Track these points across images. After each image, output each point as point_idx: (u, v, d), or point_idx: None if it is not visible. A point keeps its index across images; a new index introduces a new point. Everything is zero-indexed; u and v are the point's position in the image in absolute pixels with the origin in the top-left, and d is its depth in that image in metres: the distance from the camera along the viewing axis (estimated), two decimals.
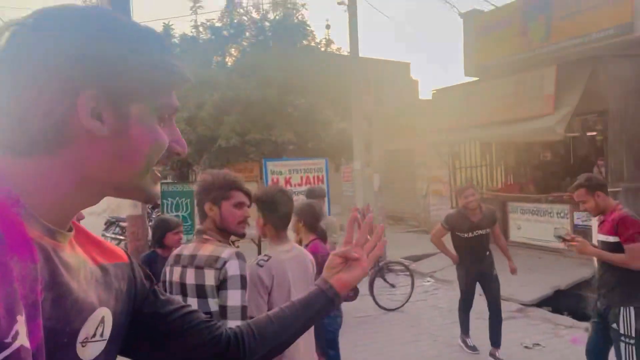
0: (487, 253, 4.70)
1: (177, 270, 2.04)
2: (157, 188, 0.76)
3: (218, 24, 12.00)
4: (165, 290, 2.02)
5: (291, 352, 1.96)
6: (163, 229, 3.58)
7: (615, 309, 3.19)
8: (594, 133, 8.97)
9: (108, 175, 0.65)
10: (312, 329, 2.26)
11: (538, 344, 4.98)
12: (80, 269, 0.65)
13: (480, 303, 4.90)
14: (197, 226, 2.25)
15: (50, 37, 0.59)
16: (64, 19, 0.60)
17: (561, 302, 6.63)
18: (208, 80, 10.35)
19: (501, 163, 10.84)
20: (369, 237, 1.05)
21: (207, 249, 1.98)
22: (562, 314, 6.17)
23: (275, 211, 2.42)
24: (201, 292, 1.94)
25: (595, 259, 3.53)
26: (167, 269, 2.11)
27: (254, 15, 12.16)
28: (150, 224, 6.05)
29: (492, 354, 4.56)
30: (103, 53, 0.60)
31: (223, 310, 1.89)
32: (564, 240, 3.46)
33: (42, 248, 0.58)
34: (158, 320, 0.82)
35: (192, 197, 6.62)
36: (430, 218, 12.71)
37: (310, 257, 2.68)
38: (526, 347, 4.94)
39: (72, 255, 0.65)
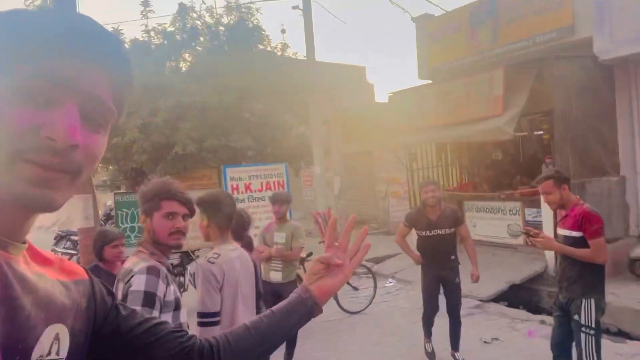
0: (452, 257, 4.56)
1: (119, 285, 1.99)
2: (39, 191, 0.60)
3: (170, 29, 11.73)
4: None
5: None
6: (101, 243, 3.40)
7: (577, 300, 3.30)
8: (541, 132, 9.40)
9: None
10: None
11: (497, 339, 5.14)
12: (34, 283, 0.62)
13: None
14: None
15: None
16: None
17: (516, 296, 6.88)
18: (162, 86, 10.09)
19: (456, 163, 11.16)
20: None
21: (130, 262, 1.93)
22: (517, 307, 6.40)
23: (220, 211, 2.50)
24: None
25: (546, 253, 3.64)
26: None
27: (208, 19, 11.98)
28: None
29: (452, 355, 4.63)
30: None
31: None
32: (529, 235, 3.54)
33: None
34: (122, 336, 0.78)
35: None
36: (390, 220, 12.90)
37: (249, 256, 2.78)
38: (485, 342, 5.08)
39: (26, 269, 0.62)
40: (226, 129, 10.39)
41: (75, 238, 9.22)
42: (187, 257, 7.14)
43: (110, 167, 15.04)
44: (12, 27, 0.60)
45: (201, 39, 11.98)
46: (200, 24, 11.93)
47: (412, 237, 4.82)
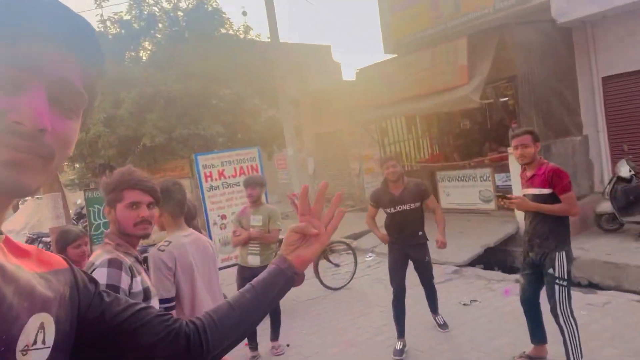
0: (419, 233, 4.35)
1: None
2: (10, 174, 0.59)
3: (127, 17, 11.35)
4: None
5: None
6: (62, 244, 3.26)
7: (551, 254, 3.47)
8: (506, 98, 9.58)
9: None
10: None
11: (475, 300, 5.33)
12: (14, 273, 0.61)
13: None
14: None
15: None
16: None
17: (491, 258, 7.11)
18: (123, 77, 9.79)
19: (426, 135, 11.31)
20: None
21: (94, 255, 1.90)
22: (493, 269, 6.62)
23: (170, 199, 2.55)
24: None
25: (517, 215, 3.75)
26: None
27: (165, 5, 11.63)
28: None
29: (434, 319, 4.67)
30: None
31: None
32: (505, 198, 3.64)
33: None
34: (107, 323, 0.78)
35: None
36: (365, 196, 13.03)
37: (207, 239, 2.81)
38: (464, 304, 5.26)
39: (4, 260, 0.61)
40: (195, 117, 10.22)
41: (47, 240, 8.99)
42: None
43: (77, 165, 14.62)
44: None
45: (160, 25, 11.65)
46: (157, 10, 11.58)
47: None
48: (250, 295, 0.94)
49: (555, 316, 3.44)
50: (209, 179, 6.29)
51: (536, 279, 3.66)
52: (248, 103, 11.14)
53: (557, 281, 3.44)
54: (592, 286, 5.87)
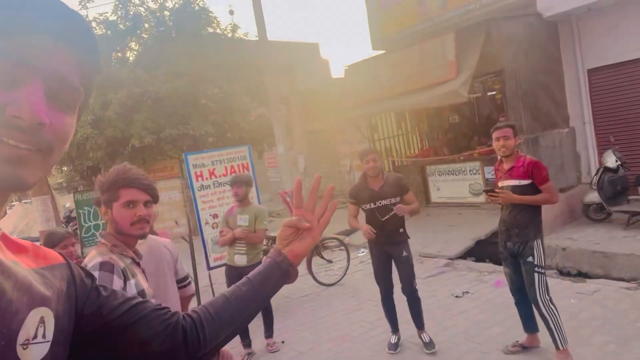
0: (401, 230, 4.15)
1: None
2: (9, 169, 0.59)
3: (113, 18, 11.25)
4: None
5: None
6: (49, 245, 3.15)
7: (530, 243, 3.58)
8: (494, 92, 9.66)
9: None
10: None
11: (467, 292, 5.38)
12: (12, 268, 0.61)
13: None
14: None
15: None
16: None
17: (482, 250, 7.18)
18: (110, 78, 9.71)
19: (416, 130, 11.37)
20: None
21: (89, 256, 1.86)
22: (484, 261, 6.68)
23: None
24: None
25: (500, 206, 3.82)
26: None
27: (151, 5, 11.55)
28: None
29: (420, 337, 4.25)
30: None
31: None
32: (493, 192, 3.71)
33: None
34: (105, 317, 0.78)
35: None
36: None
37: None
38: (457, 296, 5.31)
39: (2, 255, 0.61)
40: (183, 117, 10.17)
41: (38, 243, 8.90)
42: None
43: (65, 168, 14.46)
44: None
45: (146, 25, 11.56)
46: (143, 10, 11.49)
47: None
48: (246, 288, 0.94)
49: (537, 305, 3.53)
50: (199, 178, 6.26)
51: (519, 266, 3.73)
52: (237, 102, 11.12)
53: (536, 269, 3.55)
54: (581, 275, 5.95)
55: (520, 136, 7.63)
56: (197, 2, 11.56)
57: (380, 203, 4.11)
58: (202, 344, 0.87)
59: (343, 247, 6.95)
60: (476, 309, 4.89)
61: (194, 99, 10.54)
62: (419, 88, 8.25)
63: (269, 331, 4.71)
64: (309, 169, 14.04)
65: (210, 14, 11.69)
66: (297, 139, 14.09)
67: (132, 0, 11.31)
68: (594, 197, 7.02)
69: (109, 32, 11.19)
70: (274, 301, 5.82)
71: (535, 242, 3.58)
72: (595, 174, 7.07)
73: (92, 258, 1.81)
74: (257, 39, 9.79)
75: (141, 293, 1.83)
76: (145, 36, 11.64)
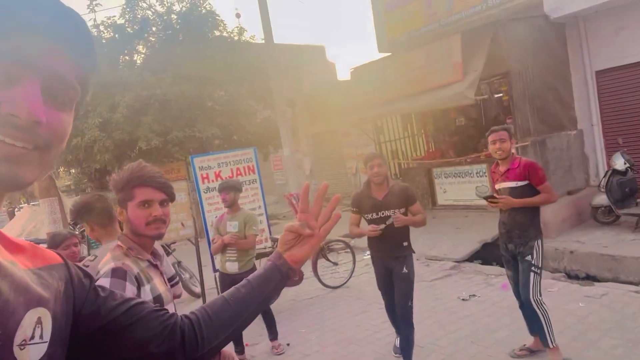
0: (404, 244, 3.84)
1: None
2: (7, 167, 0.59)
3: (120, 21, 11.34)
4: None
5: None
6: (51, 246, 3.16)
7: (530, 242, 3.63)
8: (501, 94, 9.61)
9: None
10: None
11: (474, 295, 5.35)
12: (9, 268, 0.61)
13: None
14: None
15: None
16: None
17: (489, 253, 7.13)
18: (117, 81, 9.79)
19: (422, 132, 11.34)
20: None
21: (103, 260, 1.82)
22: (491, 264, 6.64)
23: (93, 210, 2.52)
24: None
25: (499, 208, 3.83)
26: None
27: (159, 8, 11.62)
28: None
29: None
30: None
31: None
32: (494, 198, 3.70)
33: None
34: (103, 318, 0.77)
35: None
36: None
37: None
38: (463, 299, 5.27)
39: (0, 255, 0.61)
40: (190, 119, 10.22)
41: (44, 246, 8.96)
42: (165, 251, 7.03)
43: (73, 170, 14.57)
44: None
45: (154, 29, 11.64)
46: (151, 13, 11.57)
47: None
48: (245, 290, 0.94)
49: (529, 304, 3.57)
50: (205, 180, 6.28)
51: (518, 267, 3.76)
52: (243, 104, 11.16)
53: (532, 268, 3.58)
54: (590, 278, 5.89)
55: (527, 138, 7.60)
56: (204, 5, 11.63)
57: (383, 213, 3.78)
58: (200, 345, 0.87)
59: (349, 250, 6.94)
60: (483, 312, 4.85)
61: (201, 102, 10.59)
62: (425, 90, 8.23)
63: (272, 333, 4.70)
64: (315, 171, 14.06)
65: (217, 17, 11.76)
66: (302, 142, 14.11)
67: (140, 4, 11.39)
68: (602, 199, 6.95)
69: (116, 35, 11.28)
70: (280, 304, 5.82)
71: (536, 242, 3.62)
72: (604, 177, 7.00)
73: (106, 263, 1.77)
74: (263, 41, 9.82)
75: (157, 298, 1.76)
76: (153, 39, 11.72)
